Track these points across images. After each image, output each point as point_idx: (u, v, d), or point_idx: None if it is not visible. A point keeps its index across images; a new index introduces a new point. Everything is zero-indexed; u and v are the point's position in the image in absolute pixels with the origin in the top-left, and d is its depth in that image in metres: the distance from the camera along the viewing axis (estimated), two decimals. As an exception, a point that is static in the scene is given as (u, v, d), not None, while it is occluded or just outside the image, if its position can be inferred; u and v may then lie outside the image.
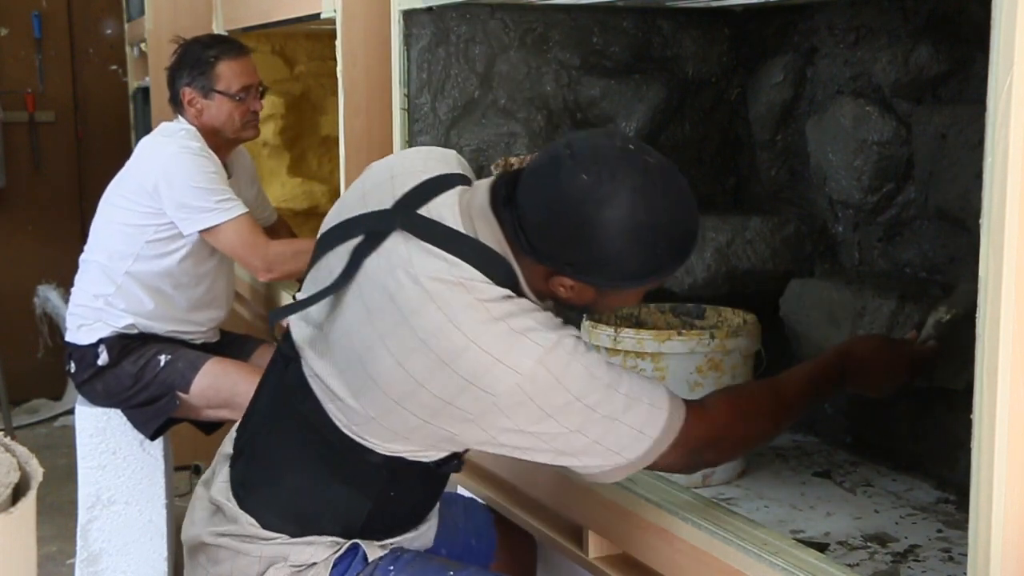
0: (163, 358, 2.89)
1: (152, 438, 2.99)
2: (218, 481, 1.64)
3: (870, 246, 2.17)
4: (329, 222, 1.59)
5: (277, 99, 3.84)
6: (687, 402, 1.49)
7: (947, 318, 1.76)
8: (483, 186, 1.49)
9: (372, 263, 1.45)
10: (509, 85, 2.30)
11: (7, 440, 1.19)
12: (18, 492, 1.09)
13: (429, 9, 2.18)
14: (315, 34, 3.88)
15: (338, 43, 2.60)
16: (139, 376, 2.89)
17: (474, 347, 1.35)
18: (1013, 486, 1.12)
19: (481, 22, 2.25)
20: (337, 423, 1.48)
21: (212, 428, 3.11)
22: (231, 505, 1.59)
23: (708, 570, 1.52)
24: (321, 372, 1.49)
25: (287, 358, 1.56)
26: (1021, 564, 1.14)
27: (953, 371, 1.81)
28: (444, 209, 1.46)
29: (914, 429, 2.06)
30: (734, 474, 2.04)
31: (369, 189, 1.54)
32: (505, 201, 1.44)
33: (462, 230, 1.44)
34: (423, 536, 1.68)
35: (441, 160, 1.57)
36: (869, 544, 1.77)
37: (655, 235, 1.38)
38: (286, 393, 1.56)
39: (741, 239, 2.23)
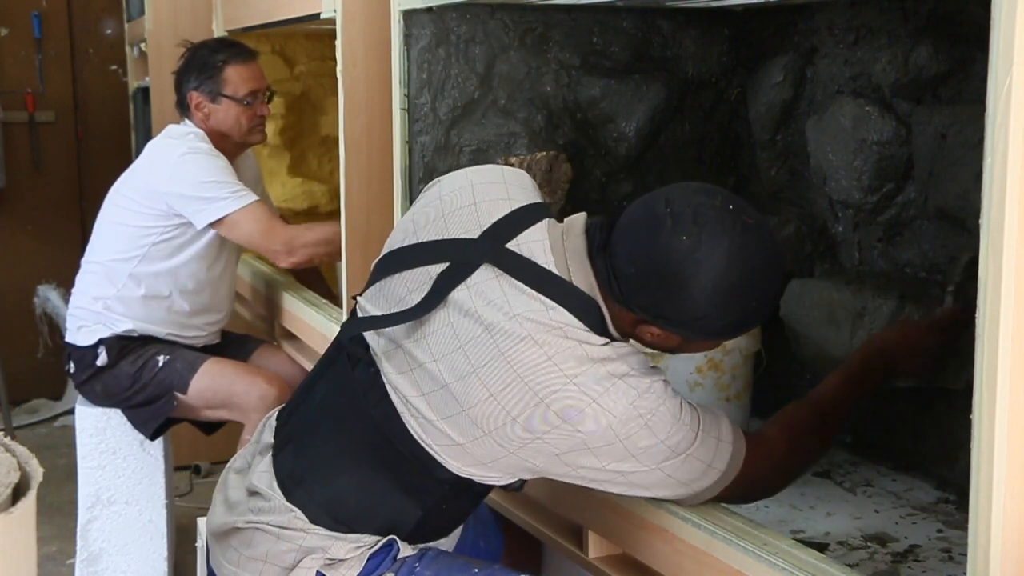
0: (161, 359, 2.89)
1: (152, 438, 2.99)
2: (258, 470, 1.63)
3: (870, 246, 2.17)
4: (402, 239, 1.58)
5: (277, 99, 3.82)
6: (747, 435, 1.53)
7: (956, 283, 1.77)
8: (577, 227, 1.51)
9: (461, 295, 1.46)
10: (509, 85, 2.30)
11: (7, 440, 1.19)
12: (18, 492, 1.09)
13: (429, 9, 2.18)
14: (315, 34, 3.88)
15: (338, 43, 2.60)
16: (137, 376, 2.89)
17: (572, 386, 1.38)
18: (1013, 486, 1.12)
19: (481, 22, 2.25)
20: (415, 436, 1.49)
21: (212, 428, 3.11)
22: (277, 496, 1.59)
23: (708, 570, 1.52)
24: (401, 387, 1.49)
25: (356, 359, 1.56)
26: (1021, 564, 1.14)
27: (953, 371, 1.81)
28: (535, 246, 1.48)
29: (914, 429, 2.06)
30: (734, 474, 2.04)
31: (450, 213, 1.54)
32: (600, 248, 1.47)
33: (555, 271, 1.46)
34: (451, 540, 1.71)
35: (520, 187, 1.58)
36: (869, 544, 1.77)
37: (747, 296, 1.42)
38: (354, 393, 1.56)
39: (741, 239, 2.23)
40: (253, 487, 1.62)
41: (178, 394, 2.87)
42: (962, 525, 1.72)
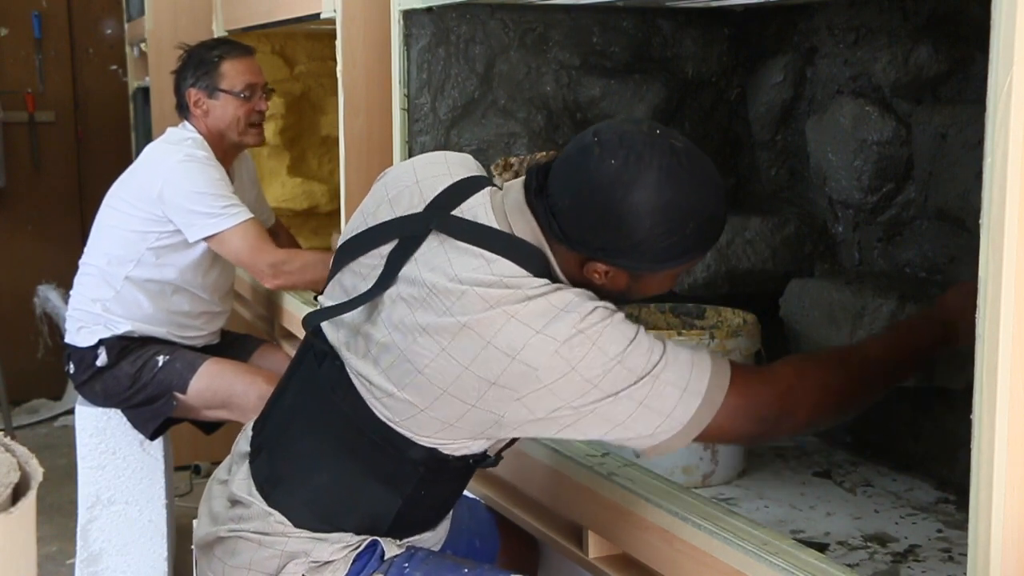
0: (161, 359, 2.89)
1: (152, 438, 2.99)
2: (237, 478, 1.63)
3: (870, 246, 2.17)
4: (352, 229, 1.60)
5: (277, 99, 3.83)
6: (742, 366, 1.48)
7: None
8: (516, 185, 1.53)
9: (409, 268, 1.47)
10: (509, 85, 2.30)
11: (7, 440, 1.19)
12: (18, 492, 1.09)
13: (429, 9, 2.18)
14: (315, 34, 3.88)
15: (338, 43, 2.60)
16: (137, 377, 2.89)
17: (514, 321, 1.38)
18: (1013, 486, 1.12)
19: (481, 22, 2.25)
20: (382, 417, 1.49)
21: (212, 428, 3.11)
22: (256, 501, 1.59)
23: (708, 570, 1.52)
24: (363, 371, 1.50)
25: (321, 356, 1.57)
26: (1021, 564, 1.14)
27: (953, 371, 1.81)
28: (478, 209, 1.50)
29: (914, 429, 2.06)
30: (734, 474, 2.05)
31: (395, 195, 1.56)
32: (537, 191, 1.47)
33: (496, 227, 1.47)
34: (437, 535, 1.69)
35: (462, 164, 1.60)
36: (869, 544, 1.77)
37: (682, 215, 1.40)
38: (321, 390, 1.57)
39: (741, 239, 2.23)
40: (233, 496, 1.62)
41: (178, 394, 2.87)
42: (962, 525, 1.72)
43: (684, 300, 2.25)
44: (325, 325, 1.57)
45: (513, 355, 1.37)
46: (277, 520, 1.57)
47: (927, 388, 1.89)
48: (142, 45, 4.54)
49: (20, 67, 5.37)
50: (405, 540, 1.61)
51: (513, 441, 1.60)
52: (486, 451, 1.56)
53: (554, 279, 1.46)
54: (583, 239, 1.43)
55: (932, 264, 2.04)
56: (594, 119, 2.39)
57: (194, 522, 1.72)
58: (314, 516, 1.57)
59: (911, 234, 2.08)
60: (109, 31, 5.52)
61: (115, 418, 2.99)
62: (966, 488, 1.15)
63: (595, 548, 1.78)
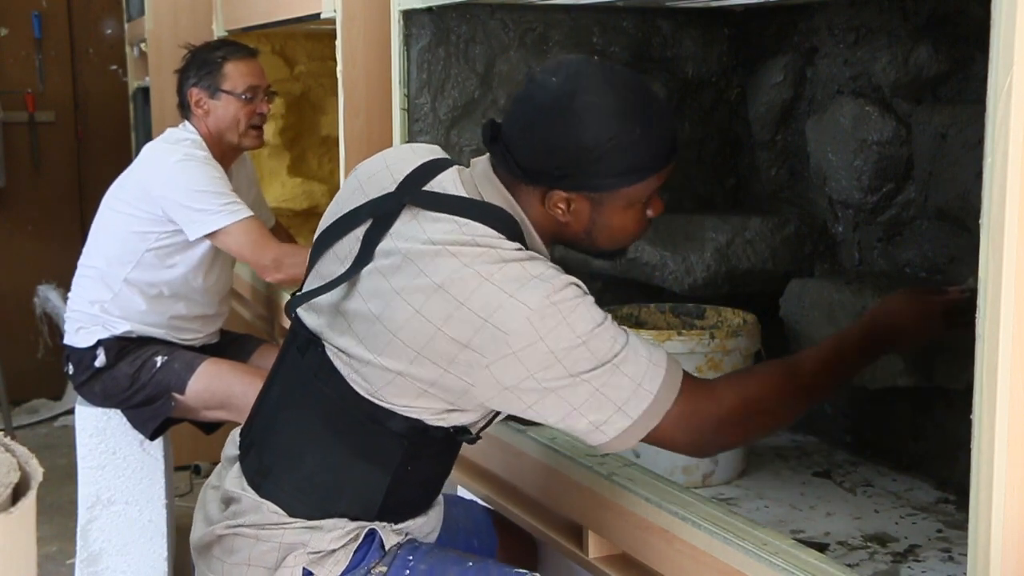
0: (160, 359, 2.89)
1: (151, 438, 2.99)
2: (229, 478, 1.64)
3: (870, 246, 2.17)
4: (327, 220, 1.62)
5: (277, 99, 3.83)
6: (691, 376, 1.49)
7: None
8: (483, 157, 1.57)
9: (386, 243, 1.49)
10: (509, 85, 2.30)
11: (7, 440, 1.19)
12: (18, 492, 1.09)
13: (429, 9, 2.18)
14: (315, 34, 3.88)
15: (338, 43, 2.60)
16: (136, 377, 2.89)
17: (488, 284, 1.40)
18: (1013, 486, 1.12)
19: (481, 22, 2.25)
20: (360, 391, 1.50)
21: (212, 428, 3.11)
22: (249, 494, 1.60)
23: (708, 570, 1.52)
24: (343, 346, 1.52)
25: (304, 346, 1.58)
26: (1021, 564, 1.14)
27: (953, 371, 1.81)
28: (447, 183, 1.53)
29: (914, 429, 2.06)
30: (734, 474, 2.05)
31: (365, 180, 1.60)
32: (492, 139, 1.53)
33: (466, 195, 1.51)
34: (431, 522, 1.69)
35: (429, 151, 1.64)
36: (869, 544, 1.77)
37: (627, 118, 1.44)
38: (305, 379, 1.58)
39: (741, 239, 2.23)
40: (227, 494, 1.63)
41: (176, 395, 2.87)
42: (962, 525, 1.72)
43: (684, 300, 2.25)
44: (306, 314, 1.59)
45: (486, 317, 1.39)
46: (271, 510, 1.57)
47: (927, 388, 1.89)
48: (142, 45, 4.54)
49: (20, 67, 5.37)
50: (400, 526, 1.62)
51: (493, 419, 1.60)
52: (467, 427, 1.57)
53: (528, 247, 1.49)
54: (539, 166, 1.47)
55: (932, 264, 2.04)
56: (594, 119, 2.38)
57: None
58: (306, 503, 1.57)
59: (911, 234, 2.08)
60: (109, 31, 5.52)
61: (115, 418, 2.99)
62: (966, 488, 1.15)
63: (595, 548, 1.78)
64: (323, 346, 1.55)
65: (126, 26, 5.18)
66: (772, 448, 2.21)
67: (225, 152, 3.00)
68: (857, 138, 2.06)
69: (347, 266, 1.52)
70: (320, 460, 1.57)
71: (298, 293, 1.61)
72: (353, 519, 1.58)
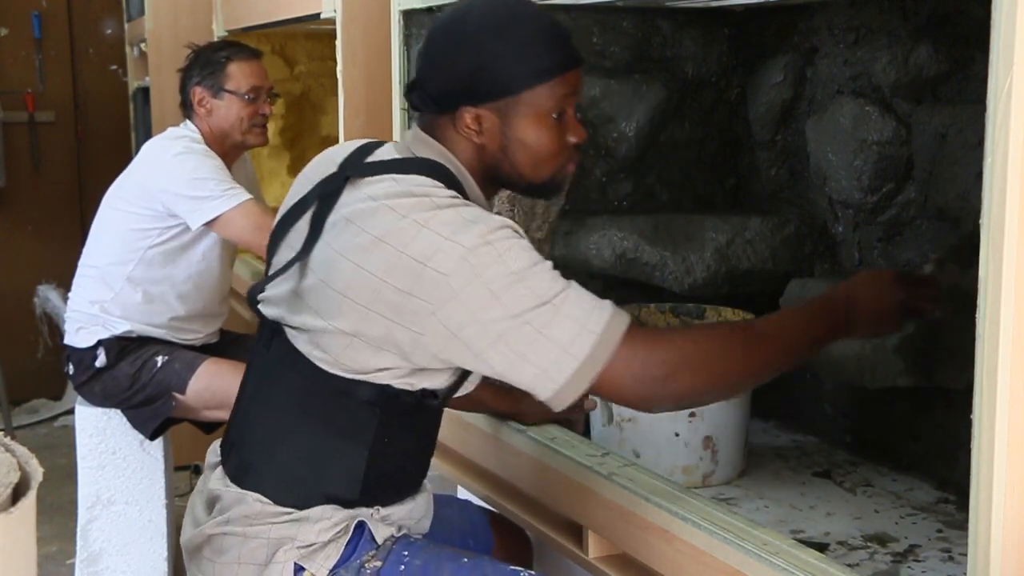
0: (160, 359, 2.89)
1: (152, 438, 2.99)
2: (212, 480, 1.66)
3: (870, 246, 2.17)
4: (279, 215, 1.66)
5: (278, 100, 3.84)
6: (638, 323, 1.46)
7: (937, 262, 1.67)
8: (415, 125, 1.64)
9: (332, 217, 1.53)
10: (509, 85, 2.29)
11: (7, 440, 1.19)
12: (18, 492, 1.09)
13: (429, 9, 2.18)
14: (315, 34, 3.88)
15: (338, 43, 2.60)
16: (136, 377, 2.89)
17: (425, 230, 1.43)
18: (1013, 486, 1.12)
19: (481, 22, 2.25)
20: (324, 365, 1.52)
21: (212, 428, 3.10)
22: (232, 489, 1.60)
23: (708, 570, 1.52)
24: (300, 323, 1.53)
25: (269, 338, 1.61)
26: (1021, 564, 1.14)
27: (953, 371, 1.81)
28: (384, 154, 1.59)
29: (914, 429, 2.06)
30: (734, 474, 2.05)
31: (311, 172, 1.64)
32: (410, 87, 1.61)
33: (402, 157, 1.58)
34: (419, 508, 1.68)
35: (369, 139, 1.69)
36: (869, 544, 1.77)
37: (520, 26, 1.52)
38: (272, 371, 1.61)
39: (741, 239, 2.23)
40: (210, 494, 1.64)
41: (176, 395, 2.87)
42: (962, 525, 1.72)
43: (684, 300, 2.25)
44: (267, 308, 1.61)
45: (425, 262, 1.41)
46: (255, 499, 1.57)
47: (927, 388, 1.89)
48: (142, 45, 4.54)
49: (20, 67, 5.37)
50: (386, 511, 1.61)
51: (462, 380, 1.61)
52: (435, 391, 1.57)
53: (468, 197, 1.53)
54: (444, 86, 1.54)
55: (932, 264, 2.04)
56: (594, 119, 2.38)
57: None
58: (289, 489, 1.57)
59: (911, 234, 2.08)
60: (109, 31, 5.52)
61: (115, 418, 2.99)
62: (966, 488, 1.15)
63: (595, 548, 1.78)
64: (285, 333, 1.57)
65: (126, 26, 5.18)
66: (772, 448, 2.22)
67: (227, 152, 2.99)
68: (857, 138, 2.06)
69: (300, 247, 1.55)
70: (297, 445, 1.58)
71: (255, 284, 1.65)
72: (339, 503, 1.57)
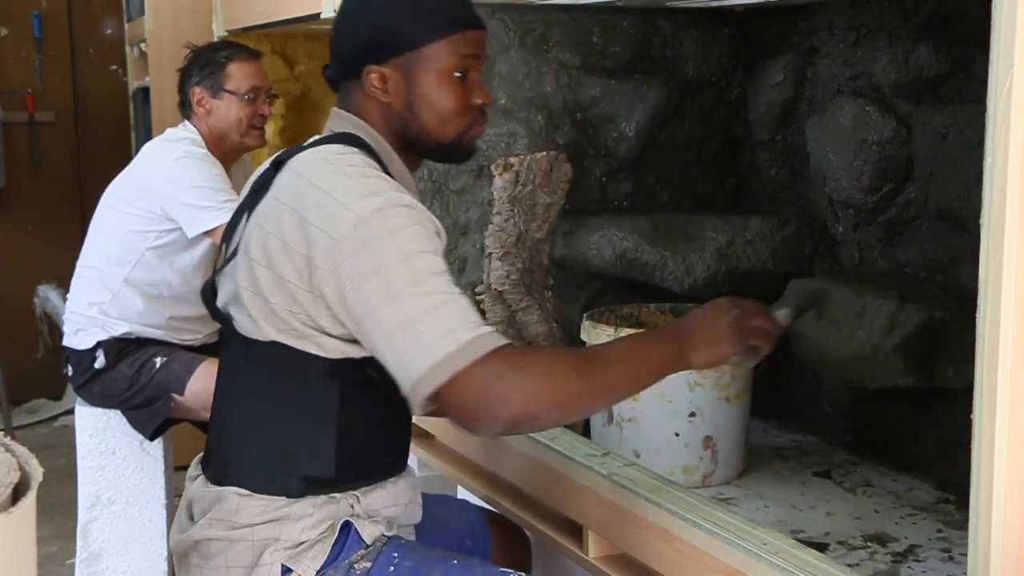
0: (158, 360, 2.89)
1: (151, 439, 2.99)
2: (193, 487, 1.67)
3: (870, 246, 2.17)
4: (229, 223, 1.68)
5: (278, 100, 3.83)
6: (514, 350, 1.42)
7: (787, 318, 1.66)
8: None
9: (264, 202, 1.55)
10: (509, 85, 2.30)
11: (7, 440, 1.19)
12: (18, 492, 1.09)
13: (429, 9, 2.17)
14: (315, 34, 3.88)
15: (338, 43, 2.59)
16: (135, 378, 2.89)
17: (327, 197, 1.46)
18: (1013, 486, 1.12)
19: (481, 22, 2.25)
20: (265, 338, 1.54)
21: (212, 428, 3.11)
22: (211, 489, 1.61)
23: (708, 570, 1.52)
24: (247, 312, 1.55)
25: (227, 340, 1.64)
26: (1021, 564, 1.14)
27: (953, 371, 1.81)
28: (311, 139, 1.63)
29: (914, 429, 2.06)
30: (734, 474, 2.05)
31: (253, 177, 1.66)
32: (326, 66, 1.67)
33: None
34: (400, 494, 1.65)
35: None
36: (869, 544, 1.77)
37: None
38: (234, 368, 1.63)
39: (741, 239, 2.23)
40: (190, 500, 1.66)
41: (175, 396, 2.87)
42: (962, 525, 1.72)
43: (684, 300, 2.25)
44: (221, 306, 1.63)
45: (320, 226, 1.44)
46: (234, 492, 1.58)
47: (927, 388, 1.89)
48: (142, 45, 4.54)
49: (20, 67, 5.37)
50: (367, 499, 1.59)
51: None
52: (366, 359, 1.54)
53: (391, 172, 1.56)
54: (350, 49, 1.59)
55: (932, 264, 2.04)
56: (594, 119, 2.39)
57: None
58: (266, 476, 1.57)
59: (911, 234, 2.08)
60: (109, 31, 5.52)
61: (115, 418, 2.99)
62: (966, 488, 1.15)
63: (595, 548, 1.78)
64: (234, 325, 1.59)
65: (126, 26, 5.17)
66: (772, 448, 2.22)
67: (226, 153, 2.99)
68: (857, 138, 2.06)
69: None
70: (268, 432, 1.59)
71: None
72: (318, 485, 1.56)
